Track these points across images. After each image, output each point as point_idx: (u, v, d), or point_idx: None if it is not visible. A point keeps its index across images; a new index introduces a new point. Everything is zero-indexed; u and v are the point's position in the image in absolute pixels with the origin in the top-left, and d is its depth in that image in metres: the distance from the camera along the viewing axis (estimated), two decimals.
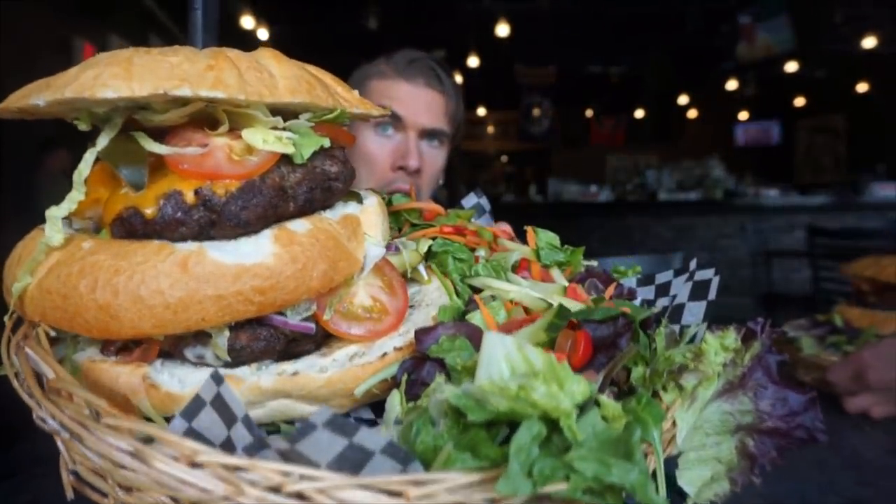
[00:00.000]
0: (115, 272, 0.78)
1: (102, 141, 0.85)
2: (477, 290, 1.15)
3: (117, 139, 0.86)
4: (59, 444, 0.82)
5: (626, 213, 10.41)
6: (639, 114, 14.05)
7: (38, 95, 0.80)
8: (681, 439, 0.95)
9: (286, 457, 0.69)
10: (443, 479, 0.67)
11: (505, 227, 1.43)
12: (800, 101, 13.00)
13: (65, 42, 5.67)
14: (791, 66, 10.66)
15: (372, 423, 1.00)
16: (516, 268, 1.23)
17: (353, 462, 0.68)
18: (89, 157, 0.84)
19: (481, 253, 1.26)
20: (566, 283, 1.18)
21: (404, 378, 0.90)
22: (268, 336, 0.89)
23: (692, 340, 1.05)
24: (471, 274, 1.18)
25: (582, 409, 0.71)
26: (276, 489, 0.66)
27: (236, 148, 0.86)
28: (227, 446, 0.73)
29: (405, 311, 1.05)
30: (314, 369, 0.91)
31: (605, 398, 0.78)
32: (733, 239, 9.35)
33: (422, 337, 0.92)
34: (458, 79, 8.90)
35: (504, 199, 11.95)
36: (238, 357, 0.88)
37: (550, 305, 1.05)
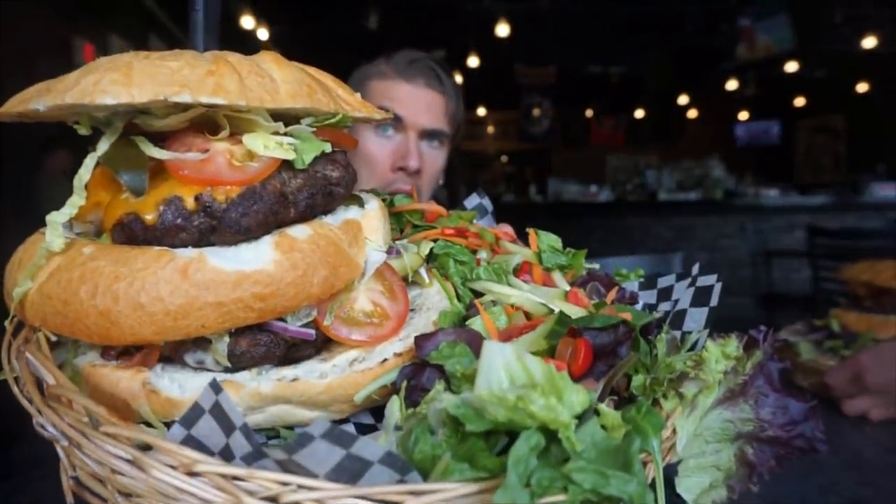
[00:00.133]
0: (116, 278, 0.78)
1: (103, 146, 0.85)
2: (478, 294, 1.14)
3: (118, 144, 0.85)
4: (59, 450, 0.82)
5: (626, 213, 10.41)
6: (639, 114, 14.05)
7: (39, 100, 0.79)
8: (681, 447, 0.95)
9: (284, 467, 0.69)
10: (441, 490, 0.67)
11: (507, 229, 1.42)
12: (800, 101, 13.00)
13: (65, 42, 5.66)
14: (791, 66, 10.66)
15: (371, 429, 1.00)
16: (518, 271, 1.23)
17: (350, 472, 0.67)
18: (90, 161, 0.84)
19: (483, 255, 1.25)
20: (567, 288, 1.18)
21: (404, 384, 0.89)
22: (268, 342, 0.89)
23: (693, 347, 1.05)
24: (472, 277, 1.18)
25: (581, 418, 0.70)
26: (273, 499, 0.66)
27: (237, 153, 0.86)
28: (226, 454, 0.73)
29: (406, 316, 1.04)
30: (314, 375, 0.91)
31: (605, 407, 0.78)
32: (733, 239, 9.35)
33: (422, 343, 0.92)
34: (458, 79, 8.90)
35: (504, 200, 11.95)
36: (238, 362, 0.88)
37: (551, 310, 1.05)
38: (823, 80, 11.76)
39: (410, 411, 0.85)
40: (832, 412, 1.94)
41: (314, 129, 0.95)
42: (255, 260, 0.83)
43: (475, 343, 0.90)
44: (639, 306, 1.26)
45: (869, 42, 9.50)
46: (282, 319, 0.90)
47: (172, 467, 0.69)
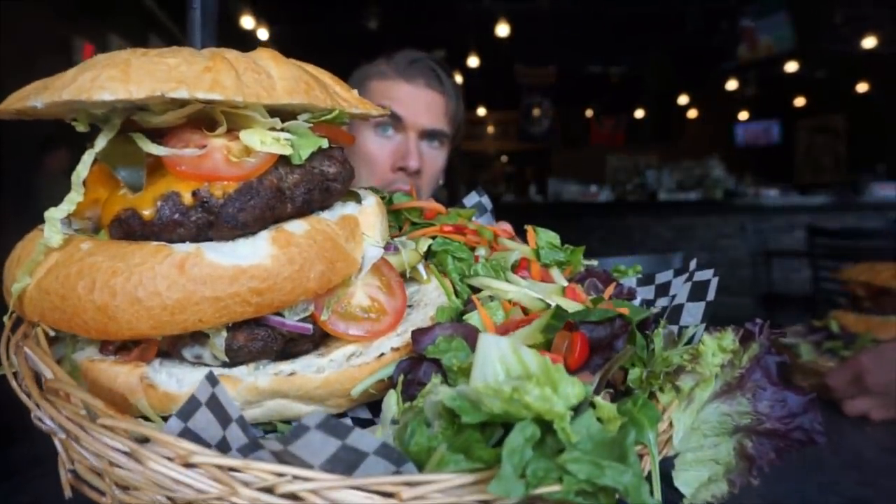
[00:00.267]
0: (113, 273, 0.78)
1: (101, 142, 0.85)
2: (476, 290, 1.15)
3: (116, 140, 0.86)
4: (57, 443, 0.82)
5: (626, 213, 10.42)
6: (639, 114, 14.05)
7: (36, 97, 0.80)
8: (677, 440, 0.95)
9: (280, 458, 0.70)
10: (436, 481, 0.67)
11: (505, 227, 1.43)
12: (800, 101, 13.00)
13: (65, 42, 5.67)
14: (791, 66, 10.67)
15: (369, 423, 1.00)
16: (516, 267, 1.23)
17: (346, 463, 0.68)
18: (87, 158, 0.85)
19: (481, 252, 1.26)
20: (565, 283, 1.18)
21: (401, 378, 0.90)
22: (265, 336, 0.90)
23: (690, 341, 1.05)
24: (470, 273, 1.18)
25: (576, 410, 0.71)
26: (269, 490, 0.67)
27: (234, 149, 0.86)
28: (223, 447, 0.73)
29: (403, 311, 1.05)
30: (311, 369, 0.91)
31: (601, 400, 0.79)
32: (733, 239, 9.36)
33: (419, 337, 0.92)
34: (458, 79, 8.90)
35: (504, 199, 11.96)
36: (235, 357, 0.89)
37: (549, 306, 1.05)
38: (823, 80, 11.76)
39: (407, 405, 0.85)
40: (832, 412, 1.94)
41: (311, 125, 0.95)
42: (252, 255, 0.83)
43: (472, 337, 0.90)
44: (636, 302, 1.27)
45: (869, 42, 9.50)
46: (279, 314, 0.90)
47: (169, 459, 0.69)
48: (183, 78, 0.79)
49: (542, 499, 0.67)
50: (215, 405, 0.71)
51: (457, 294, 1.15)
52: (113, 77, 0.77)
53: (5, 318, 0.97)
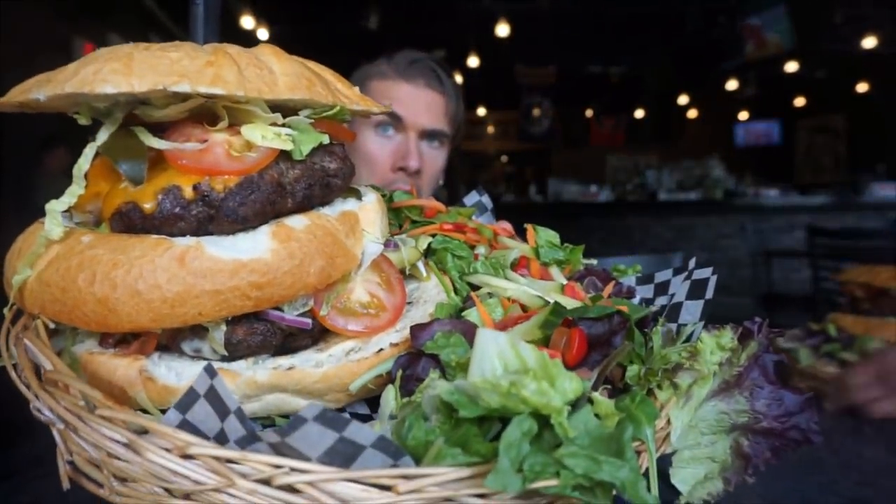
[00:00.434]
0: (114, 266, 0.79)
1: (102, 136, 0.85)
2: (475, 288, 1.15)
3: (117, 134, 0.86)
4: (55, 434, 0.82)
5: (626, 213, 10.42)
6: (639, 114, 14.07)
7: (39, 90, 0.80)
8: (675, 437, 0.95)
9: (277, 450, 0.70)
10: (433, 474, 0.68)
11: (505, 226, 1.43)
12: (800, 101, 13.01)
13: (65, 42, 5.68)
14: (791, 66, 10.67)
15: (367, 419, 1.00)
16: (515, 265, 1.24)
17: (343, 455, 0.68)
18: (89, 151, 0.85)
19: (481, 250, 1.26)
20: (564, 281, 1.18)
21: (399, 374, 0.90)
22: (264, 331, 0.90)
23: (689, 339, 1.05)
24: (469, 271, 1.18)
25: (574, 406, 0.71)
26: (266, 481, 0.67)
27: (235, 144, 0.87)
28: (221, 438, 0.73)
29: (402, 308, 1.05)
30: (310, 364, 0.91)
31: (598, 396, 0.79)
32: (733, 239, 9.36)
33: (417, 333, 0.92)
34: (458, 79, 8.90)
35: (504, 199, 11.96)
36: (235, 351, 0.89)
37: (548, 303, 1.05)
38: (823, 80, 11.77)
39: (405, 400, 0.86)
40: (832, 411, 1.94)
41: (312, 121, 0.96)
42: (253, 249, 0.83)
43: (470, 333, 0.90)
44: (635, 300, 1.27)
45: (869, 42, 9.50)
46: (278, 309, 0.91)
47: (167, 450, 0.70)
48: (185, 72, 0.79)
49: (538, 493, 0.68)
50: (213, 397, 0.71)
51: (456, 292, 1.15)
52: (115, 70, 0.77)
53: (5, 310, 0.97)
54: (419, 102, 2.43)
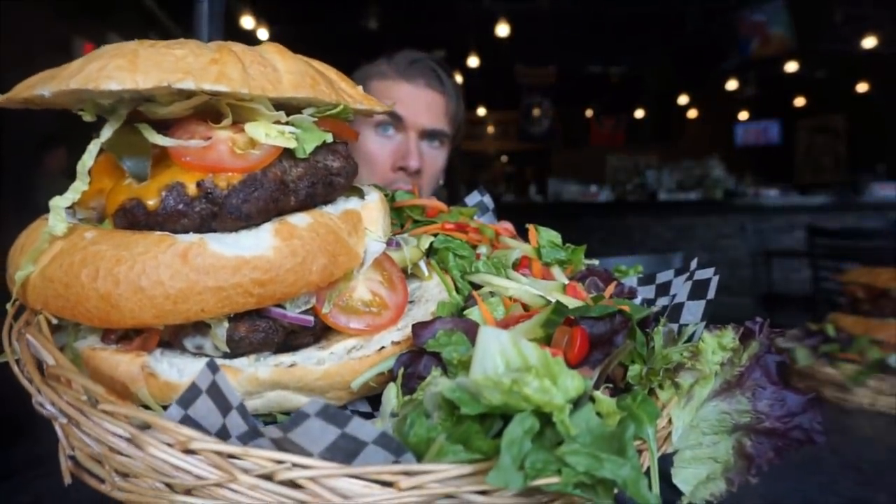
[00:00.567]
0: (117, 262, 0.79)
1: (107, 132, 0.86)
2: (477, 287, 1.15)
3: (122, 131, 0.86)
4: (58, 429, 0.82)
5: (626, 213, 10.42)
6: (639, 114, 14.06)
7: (44, 86, 0.80)
8: (676, 437, 0.95)
9: (279, 445, 0.70)
10: (434, 470, 0.68)
11: (507, 226, 1.43)
12: (800, 101, 13.00)
13: (64, 42, 5.68)
14: (791, 66, 10.66)
15: (368, 417, 1.00)
16: (517, 265, 1.24)
17: (345, 451, 0.68)
18: (93, 147, 0.85)
19: (483, 250, 1.26)
20: (566, 281, 1.18)
21: (401, 371, 0.90)
22: (266, 328, 0.90)
23: (690, 339, 1.05)
24: (471, 270, 1.18)
25: (576, 404, 0.71)
26: (268, 477, 0.67)
27: (239, 141, 0.87)
28: (223, 434, 0.74)
29: (404, 306, 1.05)
30: (311, 361, 0.92)
31: (600, 394, 0.79)
32: (733, 239, 9.36)
33: (419, 331, 0.93)
34: (458, 79, 8.90)
35: (504, 200, 11.94)
36: (237, 348, 0.89)
37: (549, 303, 1.06)
38: (823, 80, 11.76)
39: (407, 398, 0.86)
40: (832, 411, 1.94)
41: (316, 119, 0.96)
42: (255, 246, 0.84)
43: (472, 332, 0.91)
44: (637, 301, 1.27)
45: (869, 42, 9.50)
46: (281, 306, 0.91)
47: (169, 445, 0.70)
48: (189, 69, 0.79)
49: (540, 490, 0.68)
50: (216, 393, 0.71)
51: (458, 291, 1.15)
52: (120, 67, 0.77)
53: (8, 306, 0.98)
54: (419, 102, 2.44)
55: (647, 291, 1.32)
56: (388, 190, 1.39)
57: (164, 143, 0.85)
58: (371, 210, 1.03)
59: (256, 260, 0.82)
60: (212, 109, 0.88)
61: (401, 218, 1.38)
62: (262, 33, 8.73)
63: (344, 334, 0.98)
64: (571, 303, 1.03)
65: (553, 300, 1.04)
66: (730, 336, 1.01)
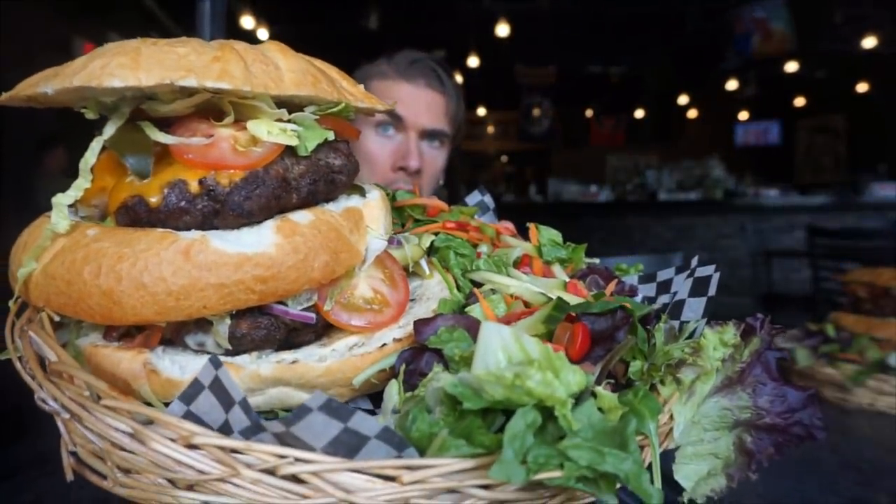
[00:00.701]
0: (119, 259, 0.79)
1: (109, 130, 0.86)
2: (478, 285, 1.15)
3: (124, 128, 0.87)
4: (60, 424, 0.83)
5: (626, 213, 10.42)
6: (639, 114, 14.06)
7: (47, 84, 0.80)
8: (678, 433, 0.96)
9: (282, 440, 0.70)
10: (437, 465, 0.68)
11: (507, 225, 1.43)
12: (800, 101, 12.99)
13: (64, 42, 5.69)
14: (791, 66, 10.66)
15: (370, 413, 1.00)
16: (518, 264, 1.24)
17: (348, 446, 0.68)
18: (96, 145, 0.86)
19: (483, 249, 1.26)
20: (567, 279, 1.18)
21: (402, 368, 0.90)
22: (268, 325, 0.90)
23: (691, 336, 1.05)
24: (472, 269, 1.18)
25: (578, 399, 0.71)
26: (271, 471, 0.67)
27: (241, 139, 0.87)
28: (225, 430, 0.74)
29: (406, 304, 1.05)
30: (313, 358, 0.92)
31: (602, 389, 0.79)
32: (733, 239, 9.36)
33: (421, 328, 0.93)
34: (458, 79, 8.90)
35: (504, 199, 11.94)
36: (238, 345, 0.89)
37: (550, 300, 1.06)
38: (823, 80, 11.76)
39: (409, 395, 0.86)
40: (832, 411, 1.94)
41: (317, 117, 0.96)
42: (257, 243, 0.84)
43: (474, 328, 0.91)
44: (638, 298, 1.27)
45: (869, 42, 9.50)
46: (283, 303, 0.91)
47: (171, 440, 0.70)
48: (192, 67, 0.79)
49: (542, 484, 0.68)
50: (218, 388, 0.71)
51: (459, 289, 1.15)
52: (123, 64, 0.77)
53: (10, 303, 0.98)
54: (419, 102, 2.44)
55: (648, 289, 1.32)
56: (388, 189, 1.39)
57: (167, 140, 0.85)
58: (372, 208, 1.03)
59: (258, 257, 0.83)
60: (214, 107, 0.88)
61: (402, 217, 1.38)
62: (263, 33, 8.74)
63: (346, 331, 0.98)
64: (572, 300, 1.03)
65: (554, 297, 1.04)
66: (731, 332, 1.02)
